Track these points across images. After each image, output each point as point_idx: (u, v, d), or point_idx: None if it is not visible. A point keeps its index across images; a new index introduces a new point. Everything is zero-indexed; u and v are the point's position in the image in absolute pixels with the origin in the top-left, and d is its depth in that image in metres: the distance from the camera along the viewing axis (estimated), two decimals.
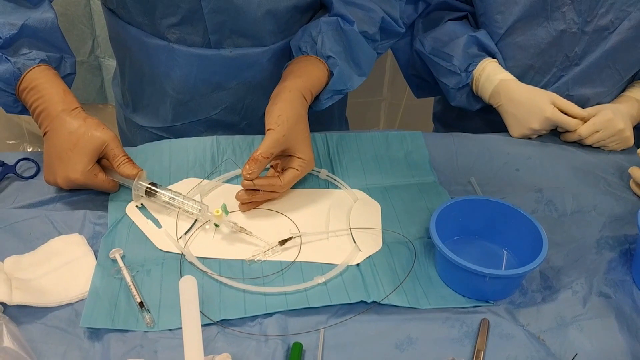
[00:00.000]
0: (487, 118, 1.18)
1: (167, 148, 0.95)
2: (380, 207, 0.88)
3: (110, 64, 1.81)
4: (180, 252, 0.78)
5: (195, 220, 0.83)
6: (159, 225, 0.82)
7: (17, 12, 0.85)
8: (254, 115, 1.06)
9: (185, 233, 0.82)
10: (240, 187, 0.84)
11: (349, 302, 0.72)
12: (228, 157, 0.94)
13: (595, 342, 0.70)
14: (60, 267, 0.74)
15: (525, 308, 0.74)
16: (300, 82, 0.89)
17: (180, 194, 0.84)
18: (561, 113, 1.03)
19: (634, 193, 0.95)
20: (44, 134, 0.83)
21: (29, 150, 1.98)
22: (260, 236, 0.80)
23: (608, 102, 1.12)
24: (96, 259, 0.76)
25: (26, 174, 0.90)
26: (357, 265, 0.78)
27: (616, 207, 0.91)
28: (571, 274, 0.79)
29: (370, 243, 0.81)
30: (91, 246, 0.78)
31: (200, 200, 0.86)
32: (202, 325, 0.64)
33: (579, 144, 1.06)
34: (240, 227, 0.80)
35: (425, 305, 0.73)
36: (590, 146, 1.05)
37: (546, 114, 1.03)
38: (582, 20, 1.04)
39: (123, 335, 0.67)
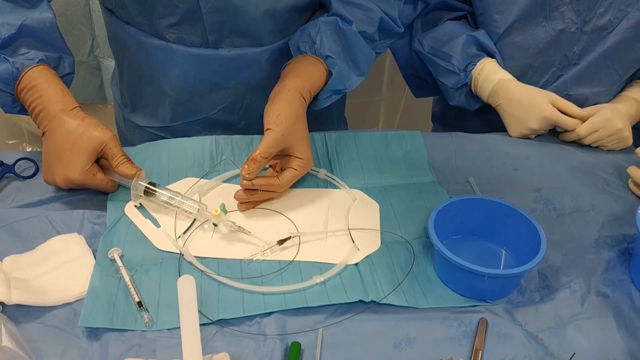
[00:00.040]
0: (486, 118, 1.18)
1: (165, 148, 0.95)
2: (378, 207, 0.88)
3: (110, 64, 1.81)
4: (179, 252, 0.78)
5: (194, 219, 0.83)
6: (157, 224, 0.83)
7: (15, 12, 0.85)
8: (252, 115, 1.06)
9: (184, 232, 0.82)
10: (239, 187, 0.84)
11: (348, 301, 0.72)
12: (227, 157, 0.94)
13: (593, 342, 0.70)
14: (59, 267, 0.74)
15: (523, 307, 0.74)
16: (299, 81, 0.89)
17: (179, 193, 0.84)
18: (560, 113, 1.03)
19: (633, 192, 0.95)
20: (43, 133, 0.83)
21: (28, 150, 1.98)
22: (259, 236, 0.80)
23: (607, 102, 1.12)
24: (95, 258, 0.76)
25: (25, 174, 0.90)
26: (356, 264, 0.78)
27: (615, 206, 0.91)
28: (569, 273, 0.79)
29: (369, 243, 0.81)
30: (90, 246, 0.78)
31: (199, 200, 0.86)
32: (201, 325, 0.64)
33: (578, 143, 1.06)
34: (239, 226, 0.80)
35: (424, 304, 0.73)
36: (589, 146, 1.05)
37: (545, 113, 1.03)
38: (580, 20, 1.04)
39: (121, 335, 0.67)
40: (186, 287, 0.61)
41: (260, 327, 0.69)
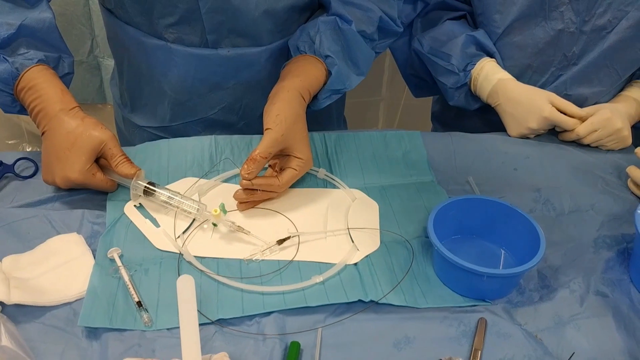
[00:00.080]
0: (486, 117, 1.19)
1: (165, 147, 0.95)
2: (378, 207, 0.88)
3: (109, 63, 1.81)
4: (179, 252, 0.78)
5: (194, 219, 0.83)
6: (157, 224, 0.83)
7: (15, 12, 0.85)
8: (252, 114, 1.06)
9: (184, 232, 0.82)
10: (238, 187, 0.84)
11: (347, 301, 0.72)
12: (226, 157, 0.94)
13: (593, 341, 0.70)
14: (59, 267, 0.74)
15: (522, 307, 0.74)
16: (299, 81, 0.89)
17: (179, 193, 0.84)
18: (559, 112, 1.03)
19: (632, 192, 0.95)
20: (42, 133, 0.83)
21: (27, 149, 1.98)
22: (259, 235, 0.80)
23: (606, 102, 1.12)
24: (94, 258, 0.76)
25: (24, 174, 0.90)
26: (355, 264, 0.78)
27: (614, 206, 0.91)
28: (569, 273, 0.79)
29: (368, 242, 0.81)
30: (89, 245, 0.78)
31: (198, 200, 0.86)
32: (200, 325, 0.64)
33: (577, 143, 1.06)
34: (239, 226, 0.80)
35: (423, 304, 0.73)
36: (588, 145, 1.05)
37: (544, 113, 1.03)
38: (580, 19, 1.04)
39: (121, 335, 0.67)
40: (185, 287, 0.61)
41: (259, 327, 0.69)
